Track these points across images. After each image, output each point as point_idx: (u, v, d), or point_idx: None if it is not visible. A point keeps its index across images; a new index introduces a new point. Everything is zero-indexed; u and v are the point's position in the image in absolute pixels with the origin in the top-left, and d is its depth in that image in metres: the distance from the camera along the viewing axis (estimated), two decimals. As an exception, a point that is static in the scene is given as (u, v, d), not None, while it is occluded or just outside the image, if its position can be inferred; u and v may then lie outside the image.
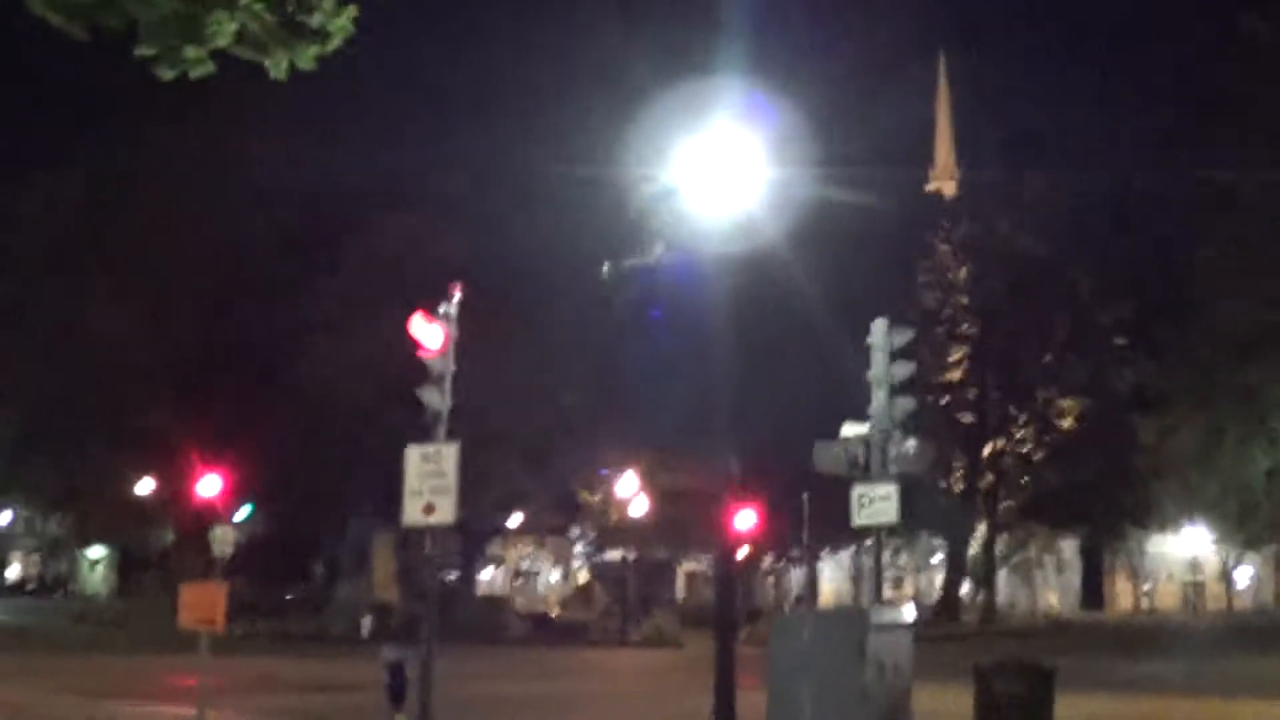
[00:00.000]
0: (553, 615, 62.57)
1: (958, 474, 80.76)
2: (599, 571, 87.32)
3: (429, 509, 16.53)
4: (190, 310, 53.18)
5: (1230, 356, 44.25)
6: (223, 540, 48.90)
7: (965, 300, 79.01)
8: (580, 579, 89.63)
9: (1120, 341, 73.33)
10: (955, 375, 78.98)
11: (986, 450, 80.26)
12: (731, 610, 15.01)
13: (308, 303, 51.18)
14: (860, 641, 11.50)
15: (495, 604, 61.03)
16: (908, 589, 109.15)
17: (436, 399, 16.75)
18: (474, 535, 56.84)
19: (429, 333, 16.72)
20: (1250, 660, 39.30)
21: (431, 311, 16.87)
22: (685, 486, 61.82)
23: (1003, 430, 79.55)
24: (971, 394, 78.90)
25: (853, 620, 12.48)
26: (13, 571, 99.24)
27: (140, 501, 59.39)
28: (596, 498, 61.20)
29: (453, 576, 60.13)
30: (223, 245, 53.30)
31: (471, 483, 51.84)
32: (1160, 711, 25.06)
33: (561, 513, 69.78)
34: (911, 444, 17.01)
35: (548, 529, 75.12)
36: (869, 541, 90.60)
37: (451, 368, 16.86)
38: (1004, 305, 77.07)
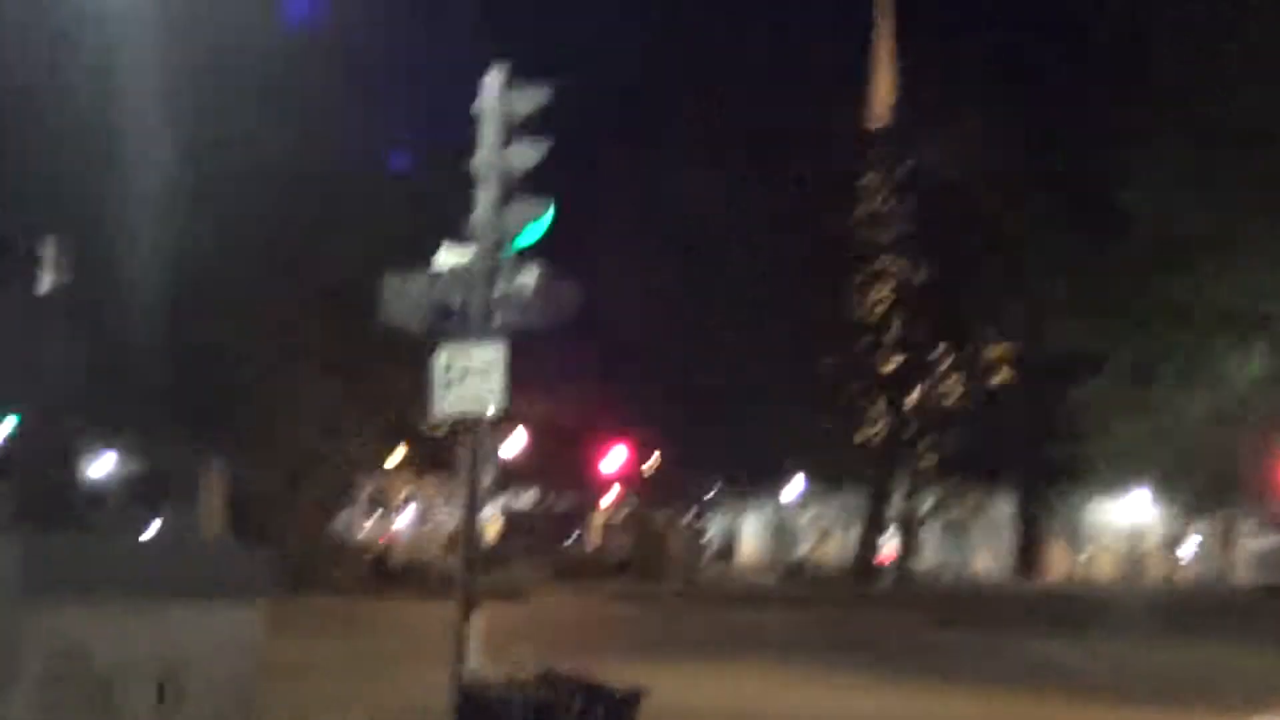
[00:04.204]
0: (386, 560, 56.01)
1: (879, 424, 74.93)
2: (513, 519, 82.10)
3: None
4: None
5: (1159, 268, 38.38)
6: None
7: (889, 236, 72.74)
8: (494, 527, 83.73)
9: (1056, 284, 66.95)
10: (875, 317, 72.84)
11: (910, 399, 74.41)
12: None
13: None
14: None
15: (324, 545, 54.10)
16: (829, 547, 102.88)
17: None
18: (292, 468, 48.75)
19: None
20: (1167, 647, 32.77)
21: None
22: (547, 420, 55.52)
23: (928, 377, 73.47)
24: (891, 339, 72.78)
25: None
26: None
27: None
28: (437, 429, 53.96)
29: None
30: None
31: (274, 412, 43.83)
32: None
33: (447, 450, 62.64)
34: (532, 273, 10.11)
35: (425, 467, 68.31)
36: (788, 492, 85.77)
37: None
38: (935, 242, 70.93)
